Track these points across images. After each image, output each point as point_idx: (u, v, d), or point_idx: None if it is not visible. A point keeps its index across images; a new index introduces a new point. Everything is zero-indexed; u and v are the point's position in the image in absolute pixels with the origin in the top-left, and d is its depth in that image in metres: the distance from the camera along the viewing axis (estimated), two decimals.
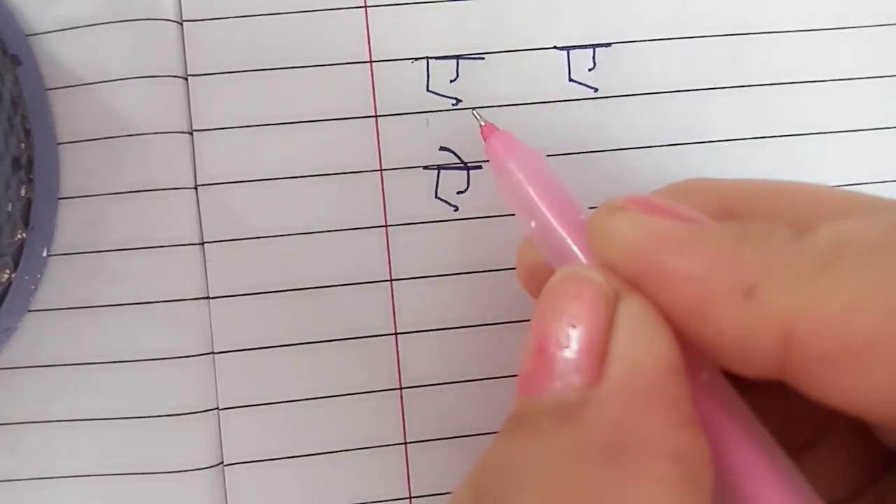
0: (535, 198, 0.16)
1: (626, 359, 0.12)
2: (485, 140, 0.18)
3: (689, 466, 0.12)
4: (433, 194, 0.23)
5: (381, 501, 0.22)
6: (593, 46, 0.23)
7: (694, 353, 0.13)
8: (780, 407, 0.15)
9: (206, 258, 0.22)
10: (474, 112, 0.20)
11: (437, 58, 0.23)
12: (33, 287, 0.22)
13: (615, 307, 0.13)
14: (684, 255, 0.13)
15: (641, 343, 0.13)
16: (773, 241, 0.12)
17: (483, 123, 0.19)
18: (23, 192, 0.21)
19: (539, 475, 0.12)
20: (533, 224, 0.16)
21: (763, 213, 0.15)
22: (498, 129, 0.19)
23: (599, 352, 0.13)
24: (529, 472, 0.12)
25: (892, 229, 0.12)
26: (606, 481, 0.11)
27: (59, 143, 0.22)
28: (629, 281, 0.13)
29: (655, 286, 0.13)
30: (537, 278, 0.17)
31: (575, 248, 0.15)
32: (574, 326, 0.13)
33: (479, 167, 0.23)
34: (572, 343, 0.13)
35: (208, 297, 0.22)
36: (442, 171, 0.23)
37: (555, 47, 0.23)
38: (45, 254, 0.22)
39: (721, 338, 0.12)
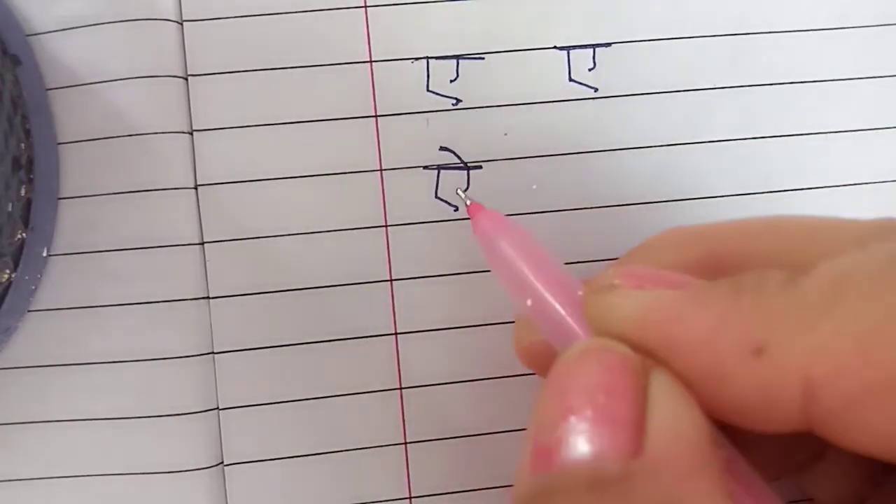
0: (530, 275, 0.16)
1: (668, 430, 0.12)
2: (471, 219, 0.18)
3: None
4: (433, 194, 0.23)
5: (381, 501, 0.22)
6: (593, 46, 0.23)
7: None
8: None
9: (206, 258, 0.22)
10: (459, 191, 0.20)
11: (437, 58, 0.23)
12: (33, 287, 0.22)
13: (647, 379, 0.13)
14: (686, 323, 0.13)
15: (680, 414, 0.12)
16: (770, 291, 0.12)
17: (469, 203, 0.18)
18: (23, 192, 0.21)
19: None
20: (529, 303, 0.16)
21: (749, 255, 0.15)
22: (484, 207, 0.18)
23: (637, 423, 0.12)
24: None
25: (890, 259, 0.12)
26: None
27: (59, 143, 0.22)
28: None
29: (664, 359, 0.13)
30: (539, 356, 0.17)
31: (576, 327, 0.15)
32: (607, 397, 0.12)
33: (479, 167, 0.23)
34: (606, 414, 0.12)
35: (208, 297, 0.22)
36: (442, 171, 0.23)
37: (555, 47, 0.23)
38: (45, 254, 0.22)
39: (741, 400, 0.12)
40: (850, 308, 0.11)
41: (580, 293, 0.15)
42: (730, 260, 0.15)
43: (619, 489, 0.12)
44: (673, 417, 0.12)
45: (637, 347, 0.13)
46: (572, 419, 0.12)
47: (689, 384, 0.13)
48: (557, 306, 0.15)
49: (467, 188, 0.23)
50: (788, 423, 0.12)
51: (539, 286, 0.16)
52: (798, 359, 0.11)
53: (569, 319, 0.15)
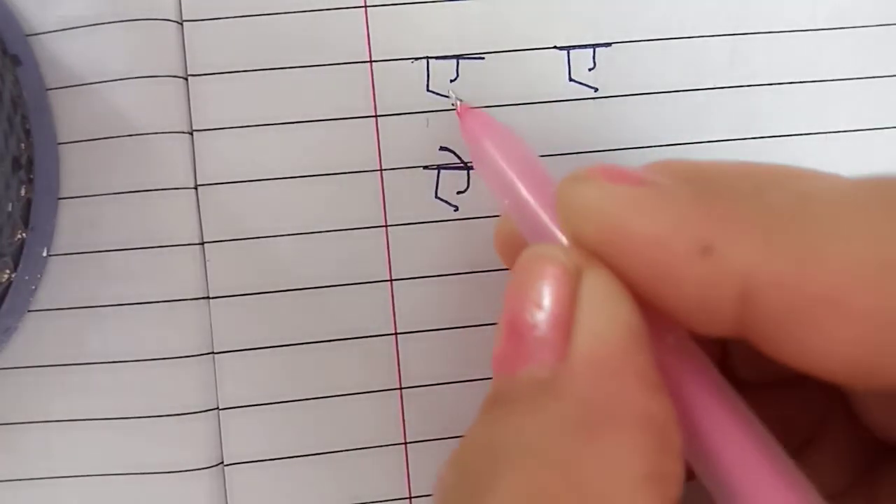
0: (509, 174, 0.16)
1: (589, 331, 0.13)
2: (460, 119, 0.19)
3: (660, 431, 0.12)
4: (433, 194, 0.23)
5: (381, 501, 0.22)
6: (593, 46, 0.23)
7: (659, 318, 0.13)
8: (777, 409, 0.15)
9: (206, 258, 0.22)
10: (451, 91, 0.20)
11: (437, 58, 0.23)
12: (33, 287, 0.22)
13: (578, 283, 0.13)
14: (646, 217, 0.13)
15: (602, 314, 0.13)
16: (734, 197, 0.12)
17: (459, 103, 0.19)
18: (23, 192, 0.21)
19: (520, 452, 0.12)
20: (507, 202, 0.16)
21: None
22: (473, 109, 0.19)
23: (565, 327, 0.13)
24: (511, 449, 0.12)
25: (858, 188, 0.12)
26: (583, 453, 0.12)
27: (59, 143, 0.22)
28: (597, 252, 0.13)
29: (621, 253, 0.13)
30: (513, 250, 0.17)
31: (548, 223, 0.15)
32: (540, 304, 0.13)
33: None
34: (540, 321, 0.13)
35: (208, 297, 0.22)
36: (442, 171, 0.23)
37: (555, 47, 0.23)
38: (45, 254, 0.22)
39: (682, 298, 0.12)
40: (804, 225, 0.11)
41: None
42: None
43: (550, 392, 0.12)
44: (597, 318, 0.13)
45: (591, 241, 0.14)
46: (515, 325, 0.13)
47: (638, 285, 0.13)
48: (532, 204, 0.16)
49: (467, 188, 0.23)
50: (724, 328, 0.12)
51: (517, 184, 0.16)
52: (740, 265, 0.12)
53: (542, 216, 0.15)
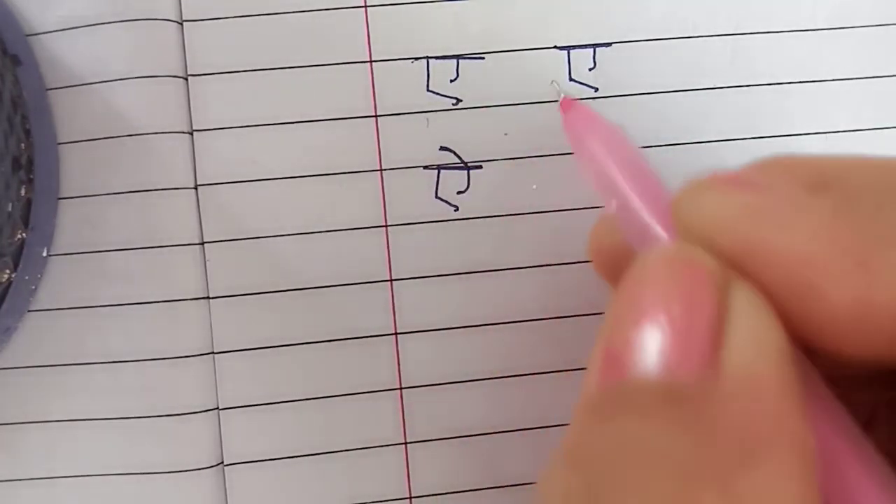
0: (618, 175, 0.15)
1: (749, 348, 0.11)
2: (563, 114, 0.18)
3: (812, 460, 0.11)
4: (433, 194, 0.23)
5: (381, 501, 0.22)
6: (594, 46, 0.23)
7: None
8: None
9: (206, 258, 0.22)
10: (554, 82, 0.19)
11: (437, 57, 0.23)
12: (33, 287, 0.22)
13: (728, 293, 0.12)
14: (785, 229, 0.12)
15: (763, 332, 0.12)
16: (878, 205, 0.11)
17: (562, 96, 0.18)
18: (23, 192, 0.21)
19: (668, 465, 0.11)
20: (614, 204, 0.15)
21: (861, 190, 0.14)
22: (576, 102, 0.18)
23: (715, 338, 0.11)
24: (656, 460, 0.11)
25: None
26: (742, 476, 0.11)
27: (59, 143, 0.22)
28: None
29: (755, 266, 0.12)
30: (614, 261, 0.16)
31: (661, 231, 0.14)
32: (685, 308, 0.12)
33: (480, 167, 0.23)
34: (683, 326, 0.11)
35: (208, 297, 0.22)
36: (442, 171, 0.23)
37: (555, 47, 0.23)
38: (45, 254, 0.22)
39: (835, 314, 0.11)
40: None
41: (669, 198, 0.14)
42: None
43: (695, 406, 0.11)
44: (754, 335, 0.12)
45: (725, 253, 0.12)
46: (647, 327, 0.12)
47: (776, 297, 0.12)
48: (644, 208, 0.15)
49: (467, 188, 0.23)
50: (880, 347, 0.11)
51: (626, 187, 0.15)
52: None
53: (655, 223, 0.14)
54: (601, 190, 0.16)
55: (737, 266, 0.12)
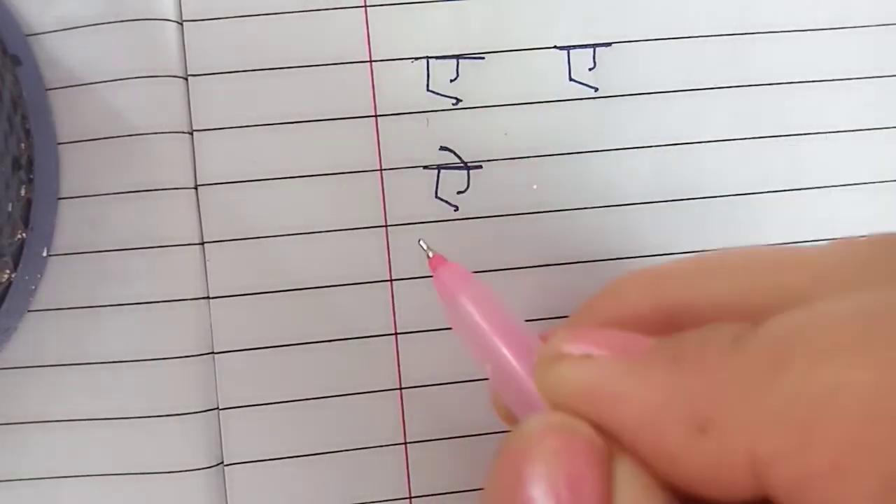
0: (491, 338, 0.15)
1: None
2: (434, 273, 0.17)
3: None
4: (433, 194, 0.23)
5: (381, 501, 0.22)
6: (593, 46, 0.23)
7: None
8: None
9: (206, 258, 0.22)
10: (421, 242, 0.18)
11: (437, 57, 0.23)
12: (33, 287, 0.22)
13: (611, 467, 0.12)
14: (629, 401, 0.12)
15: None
16: (712, 357, 0.11)
17: (431, 255, 0.17)
18: (23, 192, 0.21)
19: None
20: (488, 368, 0.15)
21: (708, 298, 0.14)
22: (447, 260, 0.17)
23: None
24: None
25: (840, 324, 0.11)
26: None
27: (59, 143, 0.22)
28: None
29: (616, 434, 0.12)
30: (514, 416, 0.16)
31: (537, 395, 0.14)
32: (571, 491, 0.11)
33: (480, 167, 0.23)
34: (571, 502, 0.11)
35: (208, 297, 0.22)
36: (442, 171, 0.23)
37: (555, 47, 0.23)
38: (45, 254, 0.22)
39: (692, 478, 0.11)
40: (794, 379, 0.10)
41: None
42: (689, 305, 0.14)
43: None
44: None
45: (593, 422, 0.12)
46: None
47: (643, 462, 0.12)
48: (517, 372, 0.14)
49: (467, 188, 0.23)
50: (745, 496, 0.11)
51: (500, 350, 0.15)
52: (742, 437, 0.11)
53: (529, 387, 0.14)
54: (475, 352, 0.15)
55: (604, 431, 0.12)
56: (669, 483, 0.12)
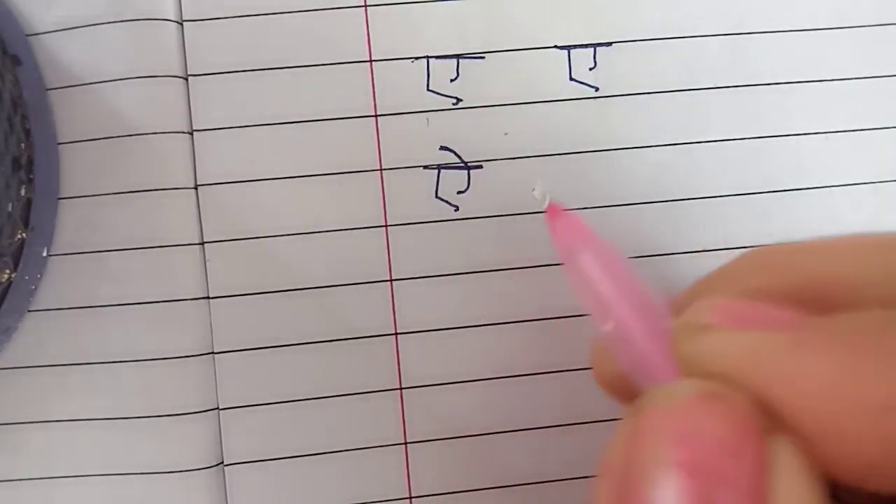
0: (613, 297, 0.14)
1: None
2: (551, 224, 0.16)
3: None
4: (433, 194, 0.23)
5: (381, 501, 0.22)
6: (594, 46, 0.23)
7: None
8: None
9: (206, 258, 0.22)
10: (536, 188, 0.17)
11: (437, 57, 0.23)
12: (33, 287, 0.22)
13: (769, 445, 0.11)
14: (802, 373, 0.11)
15: (807, 494, 0.11)
16: (891, 341, 0.11)
17: (548, 203, 0.16)
18: (23, 192, 0.21)
19: None
20: (609, 327, 0.14)
21: (854, 281, 0.13)
22: (565, 211, 0.16)
23: (761, 497, 0.10)
24: None
25: None
26: None
27: (59, 143, 0.22)
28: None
29: (776, 411, 0.11)
30: (623, 386, 0.15)
31: (666, 363, 0.13)
32: (730, 459, 0.11)
33: (480, 167, 0.23)
34: (724, 480, 0.10)
35: (208, 297, 0.22)
36: (442, 171, 0.23)
37: (555, 46, 0.23)
38: (45, 254, 0.22)
39: (864, 457, 0.11)
40: None
41: (667, 325, 0.13)
42: (829, 286, 0.13)
43: None
44: (799, 497, 0.11)
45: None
46: (682, 477, 0.10)
47: (800, 440, 0.11)
48: (643, 336, 0.13)
49: (467, 188, 0.23)
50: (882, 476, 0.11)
51: (622, 310, 0.14)
52: None
53: (657, 353, 0.13)
54: (594, 309, 0.14)
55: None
56: (827, 469, 0.11)
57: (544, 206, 0.16)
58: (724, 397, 0.11)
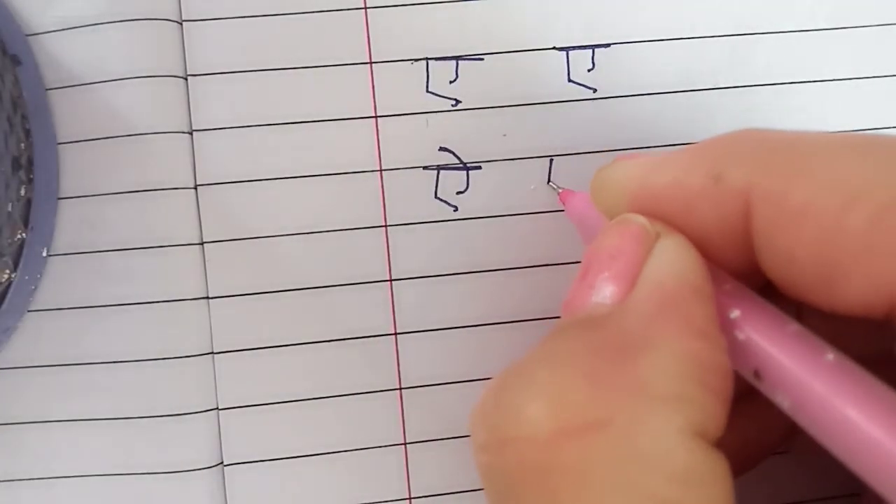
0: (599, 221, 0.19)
1: (652, 280, 0.14)
2: (565, 204, 0.22)
3: (696, 368, 0.13)
4: (433, 194, 0.23)
5: (381, 501, 0.22)
6: (592, 47, 0.23)
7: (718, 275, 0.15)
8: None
9: (206, 258, 0.22)
10: (552, 183, 0.23)
11: (436, 58, 0.23)
12: (33, 287, 0.22)
13: (654, 243, 0.15)
14: (661, 170, 0.16)
15: (667, 268, 0.14)
16: (733, 140, 0.15)
17: (560, 190, 0.22)
18: (23, 192, 0.21)
19: (553, 362, 0.14)
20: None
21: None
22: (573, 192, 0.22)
23: (633, 276, 0.15)
24: (544, 362, 0.14)
25: (835, 135, 0.14)
26: (611, 367, 0.13)
27: (59, 143, 0.22)
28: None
29: (658, 209, 0.15)
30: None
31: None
32: (614, 255, 0.15)
33: (479, 167, 0.23)
34: (610, 267, 0.15)
35: (208, 297, 0.22)
36: (442, 171, 0.23)
37: (554, 48, 0.23)
38: (45, 254, 0.22)
39: (705, 223, 0.15)
40: (793, 154, 0.14)
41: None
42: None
43: (601, 325, 0.14)
44: (659, 271, 0.14)
45: (630, 206, 0.16)
46: (586, 274, 0.15)
47: (674, 224, 0.15)
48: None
49: (467, 188, 0.23)
50: (742, 254, 0.15)
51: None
52: (742, 181, 0.14)
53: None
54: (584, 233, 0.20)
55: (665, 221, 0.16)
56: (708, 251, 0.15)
57: (558, 191, 0.22)
58: (622, 219, 0.16)
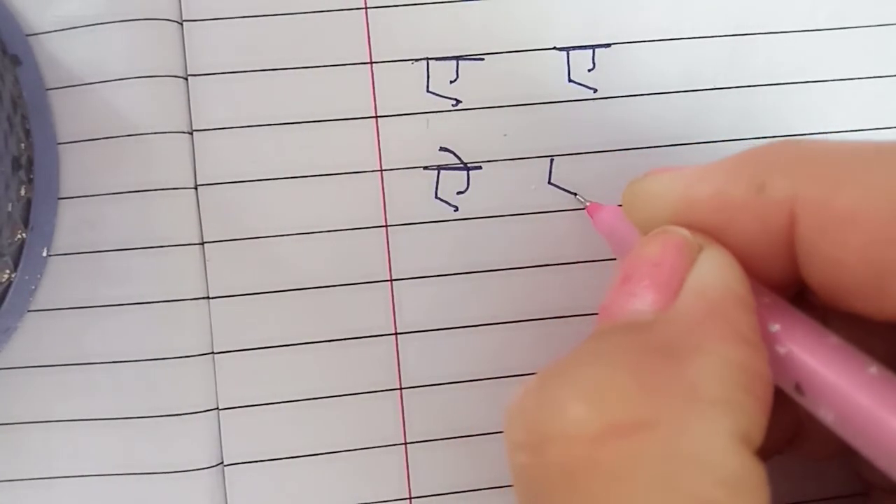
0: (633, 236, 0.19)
1: (697, 289, 0.14)
2: (592, 217, 0.21)
3: (743, 375, 0.13)
4: (433, 194, 0.23)
5: (381, 501, 0.22)
6: (593, 47, 0.23)
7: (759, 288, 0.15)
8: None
9: (206, 258, 0.22)
10: (578, 196, 0.23)
11: (436, 58, 0.23)
12: (33, 287, 0.22)
13: (696, 254, 0.15)
14: (703, 181, 0.16)
15: (712, 278, 0.15)
16: (773, 151, 0.15)
17: (587, 203, 0.22)
18: (23, 192, 0.21)
19: (595, 364, 0.14)
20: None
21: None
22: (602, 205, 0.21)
23: (674, 285, 0.15)
24: (589, 362, 0.14)
25: (872, 143, 0.14)
26: (658, 369, 0.13)
27: (59, 143, 0.22)
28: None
29: (699, 221, 0.16)
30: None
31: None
32: (657, 265, 0.15)
33: (479, 167, 0.23)
34: (652, 277, 0.15)
35: (208, 297, 0.22)
36: (442, 172, 0.23)
37: (554, 48, 0.23)
38: (45, 254, 0.22)
39: (747, 234, 0.15)
40: (834, 163, 0.14)
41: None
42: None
43: (646, 329, 0.14)
44: (702, 281, 0.14)
45: (683, 221, 0.16)
46: (627, 280, 0.15)
47: (717, 236, 0.15)
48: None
49: (467, 188, 0.23)
50: (784, 262, 0.15)
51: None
52: (786, 191, 0.14)
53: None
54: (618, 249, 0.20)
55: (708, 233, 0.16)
56: (749, 264, 0.15)
57: (585, 205, 0.22)
58: (663, 230, 0.16)
